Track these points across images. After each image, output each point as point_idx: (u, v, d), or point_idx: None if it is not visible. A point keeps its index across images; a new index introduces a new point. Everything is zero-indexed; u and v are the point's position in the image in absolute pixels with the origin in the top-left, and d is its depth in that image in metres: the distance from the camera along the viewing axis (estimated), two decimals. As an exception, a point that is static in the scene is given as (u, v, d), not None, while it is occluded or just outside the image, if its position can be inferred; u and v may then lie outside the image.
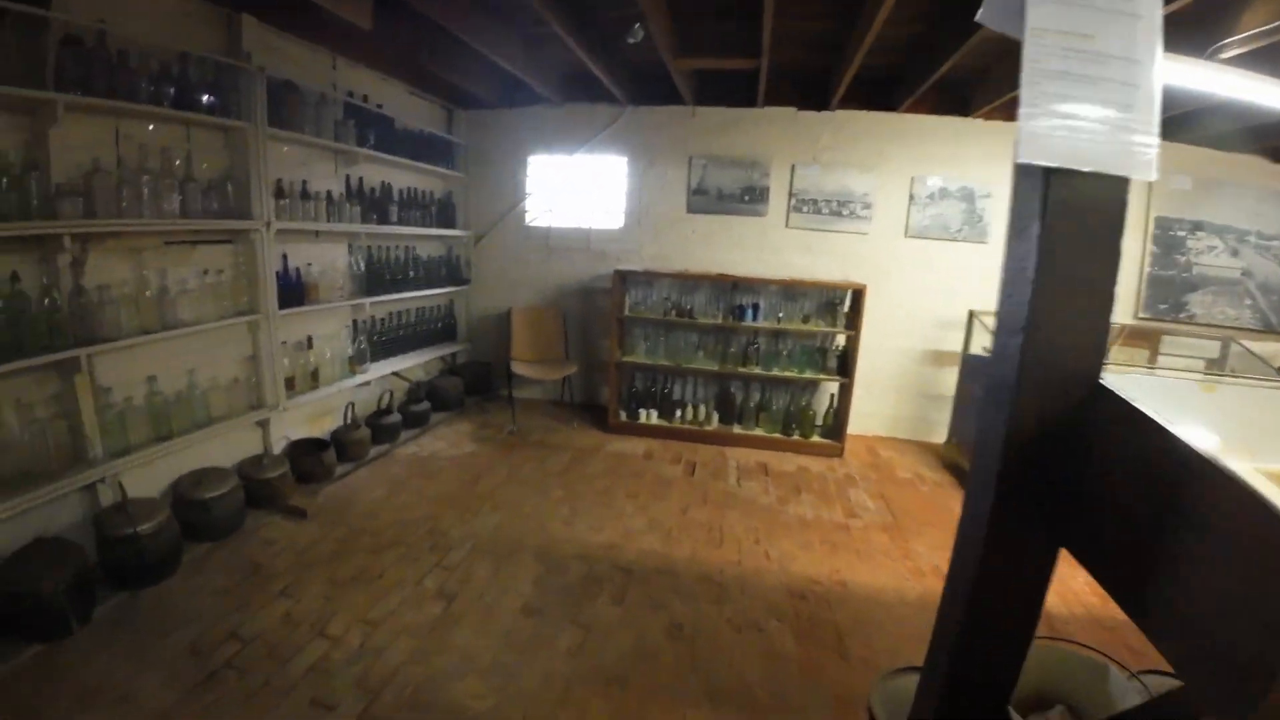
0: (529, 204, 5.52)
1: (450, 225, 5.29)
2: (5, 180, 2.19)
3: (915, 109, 4.65)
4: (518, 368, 4.87)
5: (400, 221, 4.58)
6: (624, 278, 4.83)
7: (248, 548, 3.02)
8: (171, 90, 2.78)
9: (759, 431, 4.83)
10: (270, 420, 3.54)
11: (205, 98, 2.96)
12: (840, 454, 4.64)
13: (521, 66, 4.19)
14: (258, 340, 3.44)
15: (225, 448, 3.33)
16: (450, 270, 5.36)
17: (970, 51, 3.25)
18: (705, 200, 5.13)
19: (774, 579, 3.00)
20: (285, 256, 3.61)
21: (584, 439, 4.78)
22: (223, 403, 3.26)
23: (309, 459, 3.64)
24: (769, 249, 5.10)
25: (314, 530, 3.22)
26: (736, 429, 4.85)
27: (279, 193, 3.49)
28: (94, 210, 2.50)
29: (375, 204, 4.34)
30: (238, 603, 2.60)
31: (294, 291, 3.65)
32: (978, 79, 4.41)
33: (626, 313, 4.89)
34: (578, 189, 5.41)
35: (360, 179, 4.24)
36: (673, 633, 2.56)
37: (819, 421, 4.81)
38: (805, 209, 5.01)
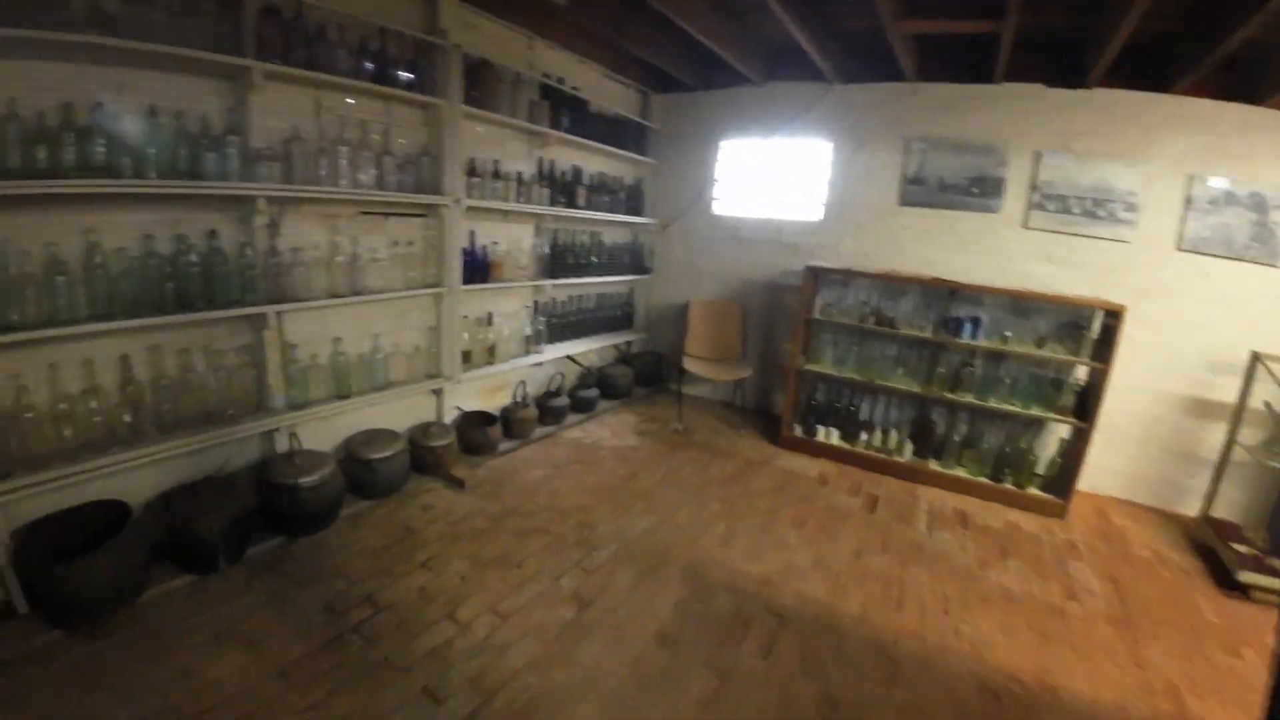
0: (718, 191, 5.13)
1: (638, 212, 5.10)
2: (205, 141, 2.31)
3: (1194, 91, 3.57)
4: (690, 364, 4.53)
5: (588, 206, 4.47)
6: (816, 275, 4.25)
7: (404, 511, 3.05)
8: (370, 65, 2.84)
9: (961, 472, 3.97)
10: (444, 390, 3.58)
11: (403, 74, 2.99)
12: (1062, 514, 3.66)
13: (720, 40, 3.82)
14: (440, 312, 3.49)
15: (399, 411, 3.43)
16: (634, 258, 5.17)
17: (1271, 20, 2.41)
18: (922, 191, 4.35)
19: (963, 665, 2.34)
20: (473, 234, 3.61)
21: (752, 449, 4.32)
22: (402, 369, 3.34)
23: (476, 432, 3.64)
24: (999, 253, 4.19)
25: (469, 502, 3.18)
26: (934, 465, 4.04)
27: (471, 171, 3.49)
28: (291, 176, 2.60)
29: (564, 188, 4.26)
30: (382, 566, 2.60)
31: (479, 268, 3.66)
32: (1268, 58, 3.27)
33: (816, 315, 4.31)
34: (772, 176, 4.91)
35: (551, 162, 4.17)
36: (826, 708, 2.08)
37: (1040, 470, 3.86)
38: (1051, 206, 4.03)
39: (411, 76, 3.04)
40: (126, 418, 2.27)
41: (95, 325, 2.09)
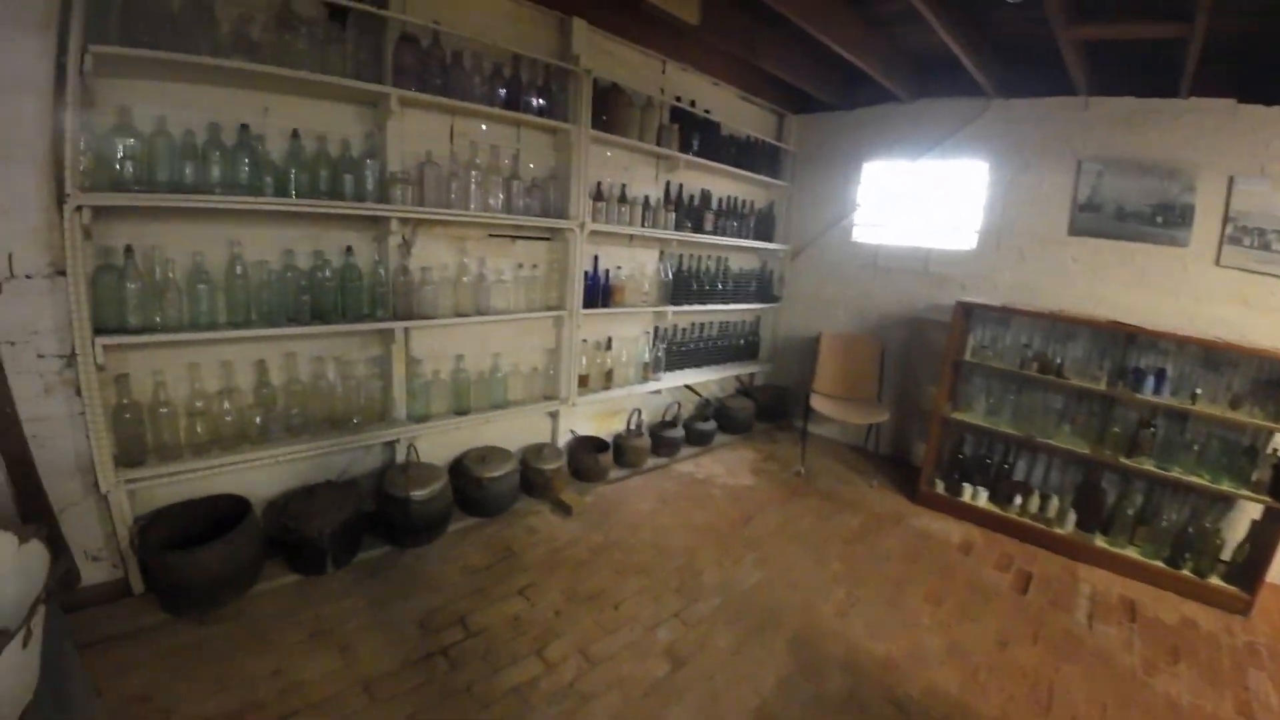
0: (858, 216, 4.76)
1: (768, 238, 4.85)
2: (344, 163, 2.43)
3: None
4: (818, 403, 4.16)
5: (716, 231, 4.31)
6: (969, 311, 3.77)
7: (509, 531, 3.04)
8: (503, 91, 2.89)
9: (1131, 552, 3.30)
10: (560, 413, 3.54)
11: (534, 100, 3.02)
12: (1246, 610, 2.96)
13: (864, 54, 3.54)
14: (560, 335, 3.48)
15: (513, 430, 3.46)
16: (761, 285, 4.92)
17: None
18: (1097, 219, 3.75)
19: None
20: (596, 258, 3.58)
21: (883, 502, 3.88)
22: (520, 389, 3.35)
23: (587, 457, 3.56)
24: (1188, 294, 3.52)
25: (574, 529, 3.11)
26: (1100, 541, 3.39)
27: (597, 195, 3.46)
28: (424, 198, 2.68)
29: (692, 212, 4.13)
30: (479, 586, 2.58)
31: (600, 292, 3.63)
32: None
33: (967, 356, 3.81)
34: (919, 200, 4.46)
35: (680, 186, 4.06)
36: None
37: (1225, 556, 3.15)
38: (1247, 241, 3.33)
39: (543, 102, 3.07)
40: (257, 419, 2.42)
41: (233, 332, 2.25)
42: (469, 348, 3.11)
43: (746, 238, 4.62)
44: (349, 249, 2.54)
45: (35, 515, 2.04)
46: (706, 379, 4.52)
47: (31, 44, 1.82)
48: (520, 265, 3.25)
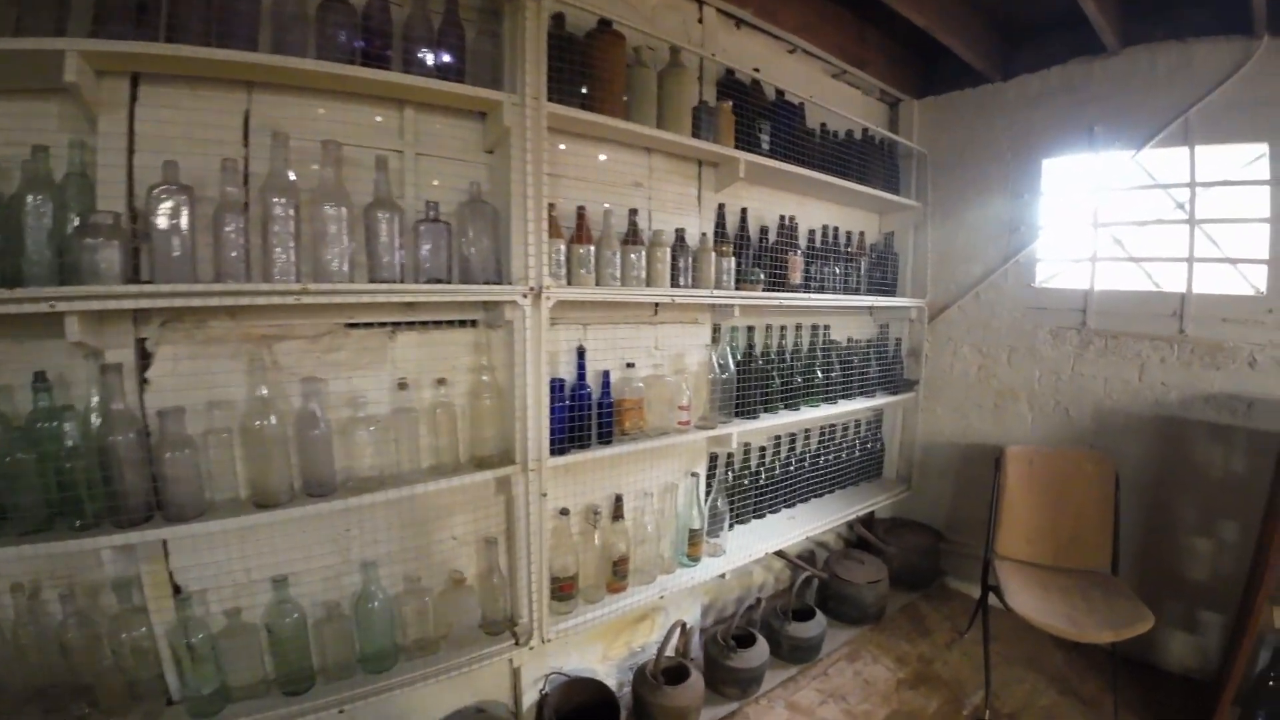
0: (1042, 248, 3.04)
1: (888, 290, 3.16)
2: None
3: None
4: (1011, 586, 2.40)
5: (808, 284, 2.65)
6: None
7: None
8: (360, 41, 1.45)
9: None
10: (519, 657, 1.90)
11: (429, 54, 1.54)
12: None
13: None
14: (511, 510, 1.91)
15: (423, 695, 1.83)
16: (883, 366, 3.19)
17: None
18: None
19: None
20: (581, 352, 2.01)
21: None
22: (428, 623, 1.76)
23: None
24: None
25: None
26: None
27: (577, 233, 1.91)
28: (167, 266, 1.23)
29: (764, 254, 2.50)
30: None
31: (591, 416, 2.01)
32: None
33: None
34: (1151, 216, 2.75)
35: (742, 211, 2.49)
36: None
37: None
38: None
39: (446, 58, 1.60)
40: None
41: None
42: (303, 559, 1.58)
43: (857, 292, 2.96)
44: (39, 380, 1.19)
45: None
46: (801, 532, 2.76)
47: None
48: (402, 385, 1.70)
